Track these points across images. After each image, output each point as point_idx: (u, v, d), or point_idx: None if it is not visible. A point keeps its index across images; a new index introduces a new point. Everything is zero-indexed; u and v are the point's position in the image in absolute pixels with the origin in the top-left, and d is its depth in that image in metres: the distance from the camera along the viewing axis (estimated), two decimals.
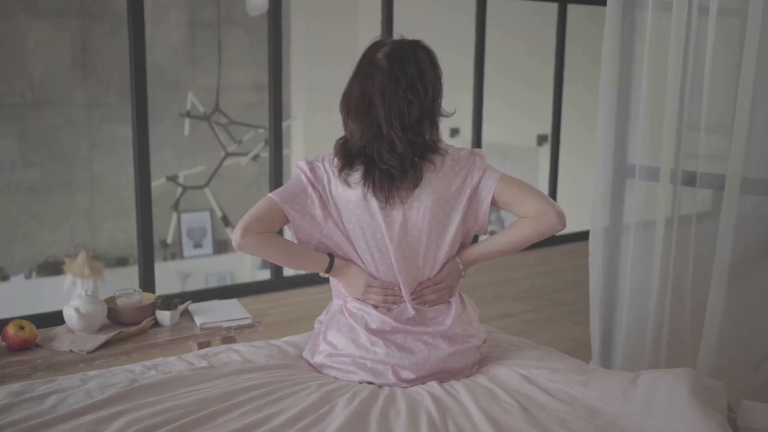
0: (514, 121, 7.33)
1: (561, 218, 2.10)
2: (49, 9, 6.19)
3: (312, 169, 2.14)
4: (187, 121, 6.80)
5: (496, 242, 2.21)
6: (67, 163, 6.46)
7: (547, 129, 7.30)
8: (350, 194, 2.10)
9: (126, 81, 6.41)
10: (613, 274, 3.09)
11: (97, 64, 6.45)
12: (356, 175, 2.09)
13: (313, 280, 5.12)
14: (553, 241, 6.46)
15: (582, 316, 4.57)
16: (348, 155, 2.10)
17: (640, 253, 2.95)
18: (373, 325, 2.09)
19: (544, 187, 6.90)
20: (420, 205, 2.10)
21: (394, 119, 2.04)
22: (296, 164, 2.18)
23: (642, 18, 2.90)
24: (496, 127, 6.52)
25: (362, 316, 2.12)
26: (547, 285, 5.28)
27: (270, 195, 2.11)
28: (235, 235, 2.07)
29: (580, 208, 7.44)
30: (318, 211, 2.11)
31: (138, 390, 1.90)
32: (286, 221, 2.11)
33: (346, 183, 2.10)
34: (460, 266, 2.21)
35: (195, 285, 6.96)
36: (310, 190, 2.11)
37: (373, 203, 2.09)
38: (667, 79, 2.78)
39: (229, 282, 7.25)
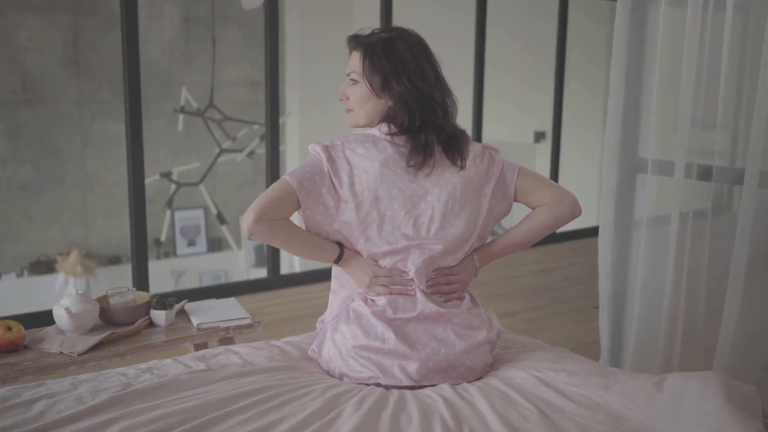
0: (510, 117, 7.26)
1: (577, 203, 2.13)
2: (41, 4, 6.09)
3: (330, 158, 2.02)
4: (181, 117, 6.70)
5: (513, 235, 2.17)
6: (59, 160, 6.35)
7: (543, 126, 7.21)
8: (383, 173, 2.00)
9: (119, 77, 6.31)
10: (622, 270, 3.00)
11: (89, 60, 6.35)
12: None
13: (311, 278, 5.01)
14: (553, 238, 6.37)
15: (584, 315, 4.48)
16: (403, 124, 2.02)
17: (653, 249, 2.86)
18: (385, 312, 2.00)
19: None
20: (445, 186, 2.03)
21: (445, 89, 2.05)
22: (310, 147, 2.06)
23: (654, 13, 2.82)
24: (492, 124, 6.44)
25: (373, 303, 2.03)
26: (547, 283, 5.19)
27: (286, 177, 1.99)
28: (246, 220, 1.95)
29: (584, 206, 7.36)
30: (331, 201, 2.01)
31: (132, 395, 1.79)
32: (299, 207, 2.01)
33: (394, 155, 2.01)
34: (476, 263, 2.14)
35: (189, 283, 6.87)
36: (327, 179, 2.00)
37: (404, 181, 2.01)
38: (682, 74, 2.70)
39: (223, 280, 7.16)
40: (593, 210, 7.32)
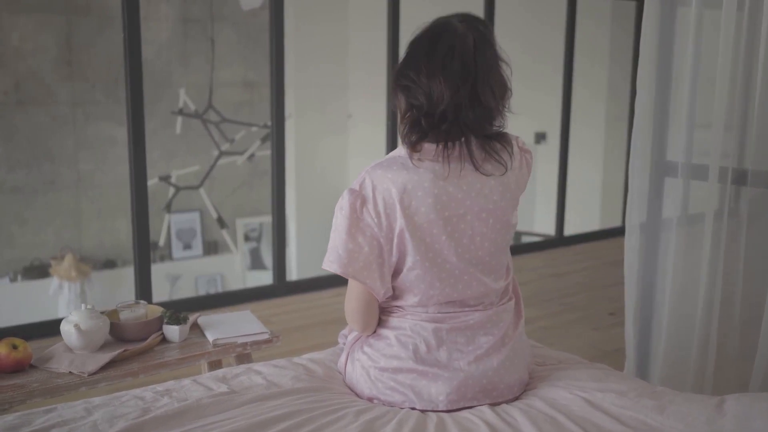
0: (510, 118, 7.15)
1: None
2: (33, 5, 5.95)
3: (363, 210, 1.81)
4: (179, 119, 6.58)
5: None
6: (52, 162, 6.22)
7: (544, 127, 7.09)
8: (424, 191, 1.83)
9: (113, 78, 6.20)
10: (650, 276, 2.89)
11: (83, 61, 6.21)
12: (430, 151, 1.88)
13: (318, 284, 4.85)
14: (561, 241, 6.26)
15: (600, 322, 4.37)
16: (432, 122, 1.88)
17: (683, 256, 2.75)
18: (422, 325, 1.87)
19: (545, 187, 6.69)
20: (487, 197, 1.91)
21: (494, 88, 1.93)
22: (337, 217, 1.85)
23: (683, 14, 2.71)
24: None
25: (408, 315, 1.89)
26: (559, 288, 5.06)
27: (359, 283, 1.83)
28: (357, 329, 1.95)
29: (584, 208, 7.25)
30: (390, 259, 1.85)
31: (152, 422, 1.66)
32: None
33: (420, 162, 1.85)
34: None
35: (185, 286, 6.76)
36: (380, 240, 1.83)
37: (449, 192, 1.86)
38: (716, 76, 2.59)
39: (219, 283, 7.05)
40: (597, 213, 7.21)
